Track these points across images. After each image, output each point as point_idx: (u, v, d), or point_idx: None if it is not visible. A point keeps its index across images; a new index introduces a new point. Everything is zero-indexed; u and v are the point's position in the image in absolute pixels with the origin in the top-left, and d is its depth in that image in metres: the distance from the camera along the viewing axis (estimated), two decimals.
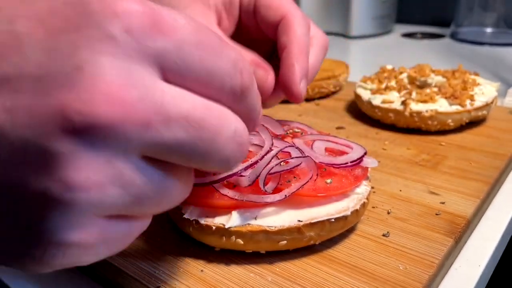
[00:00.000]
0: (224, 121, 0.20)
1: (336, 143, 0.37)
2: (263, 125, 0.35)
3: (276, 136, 0.36)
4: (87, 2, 0.18)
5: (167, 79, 0.19)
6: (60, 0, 0.18)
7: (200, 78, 0.20)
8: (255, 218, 0.31)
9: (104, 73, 0.17)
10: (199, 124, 0.19)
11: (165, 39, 0.18)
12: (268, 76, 0.31)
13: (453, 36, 1.08)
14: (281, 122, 0.41)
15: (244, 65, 0.21)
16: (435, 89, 0.54)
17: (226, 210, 0.31)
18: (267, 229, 0.30)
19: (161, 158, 0.19)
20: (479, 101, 0.51)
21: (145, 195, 0.20)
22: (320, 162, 0.33)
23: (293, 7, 0.34)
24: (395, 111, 0.52)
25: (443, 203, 0.37)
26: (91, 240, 0.19)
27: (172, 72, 0.19)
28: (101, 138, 0.17)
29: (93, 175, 0.18)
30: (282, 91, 0.33)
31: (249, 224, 0.30)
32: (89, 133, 0.17)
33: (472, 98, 0.51)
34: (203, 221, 0.31)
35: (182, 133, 0.19)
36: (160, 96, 0.18)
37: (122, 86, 0.17)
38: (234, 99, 0.21)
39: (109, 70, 0.17)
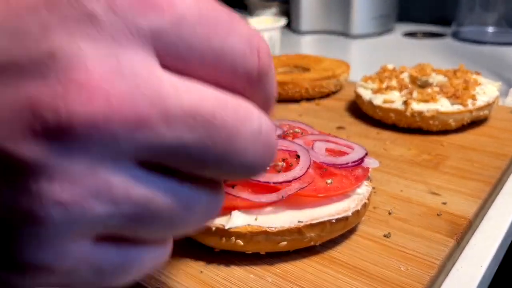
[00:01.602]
0: (244, 116, 0.16)
1: (337, 143, 0.37)
2: None
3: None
4: None
5: (166, 66, 0.15)
6: None
7: (207, 61, 0.16)
8: (255, 219, 0.30)
9: (83, 61, 0.14)
10: (210, 121, 0.15)
11: (161, 15, 0.14)
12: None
13: (455, 36, 1.08)
14: (282, 122, 0.40)
15: (260, 42, 0.17)
16: (437, 89, 0.54)
17: (225, 210, 0.31)
18: (267, 230, 0.30)
19: (168, 164, 0.15)
20: (481, 100, 0.51)
21: (146, 212, 0.15)
22: (321, 162, 0.33)
23: None
24: (396, 111, 0.51)
25: (444, 203, 0.37)
26: (69, 264, 0.15)
27: (172, 56, 0.15)
28: (79, 141, 0.14)
29: (71, 187, 0.14)
30: None
31: (249, 225, 0.30)
32: (64, 134, 0.13)
33: (473, 97, 0.51)
34: None
35: (188, 132, 0.15)
36: (157, 85, 0.14)
37: (107, 76, 0.14)
38: (250, 85, 0.17)
39: (89, 57, 0.14)
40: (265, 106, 0.18)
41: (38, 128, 0.13)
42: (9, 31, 0.14)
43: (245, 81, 0.17)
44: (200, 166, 0.16)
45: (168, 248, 0.18)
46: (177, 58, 0.15)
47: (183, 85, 0.15)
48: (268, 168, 0.17)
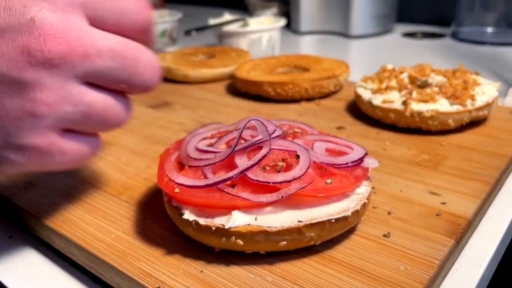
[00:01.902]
0: (140, 52, 0.29)
1: (337, 143, 0.37)
2: (261, 123, 0.35)
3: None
4: None
5: (93, 25, 0.27)
6: None
7: (115, 19, 0.28)
8: (255, 219, 0.31)
9: (50, 22, 0.25)
10: (122, 55, 0.28)
11: None
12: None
13: (454, 36, 1.08)
14: (282, 122, 0.40)
15: (146, 4, 0.29)
16: (436, 89, 0.54)
17: (225, 210, 0.31)
18: (267, 229, 0.30)
19: (100, 83, 0.28)
20: (480, 101, 0.51)
21: (91, 111, 0.28)
22: (320, 162, 0.33)
23: None
24: (395, 111, 0.51)
25: (444, 203, 0.37)
26: (48, 145, 0.28)
27: (95, 19, 0.27)
28: (55, 67, 0.26)
29: (52, 95, 0.26)
30: None
31: (249, 224, 0.30)
32: (47, 64, 0.25)
33: (472, 98, 0.51)
34: (202, 221, 0.31)
35: (111, 61, 0.27)
36: (91, 35, 0.27)
37: (65, 30, 0.26)
38: (143, 32, 0.30)
39: (53, 19, 0.25)
40: (150, 46, 0.30)
41: (33, 62, 0.25)
42: (5, 8, 0.25)
43: (140, 31, 0.29)
44: (118, 82, 0.29)
45: (97, 141, 0.32)
46: (98, 19, 0.27)
47: (105, 35, 0.27)
48: (157, 83, 0.31)
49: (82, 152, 0.30)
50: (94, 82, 0.28)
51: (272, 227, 0.30)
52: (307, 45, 1.11)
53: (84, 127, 0.29)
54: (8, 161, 0.28)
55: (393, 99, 0.53)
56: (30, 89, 0.25)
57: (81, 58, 0.26)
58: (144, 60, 0.29)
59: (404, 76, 0.59)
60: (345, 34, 1.14)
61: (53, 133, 0.28)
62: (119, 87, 0.29)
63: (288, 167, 0.32)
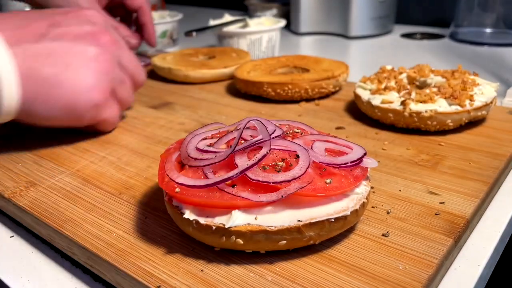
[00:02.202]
0: (138, 62, 0.57)
1: (336, 143, 0.37)
2: (261, 123, 0.35)
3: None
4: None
5: None
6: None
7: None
8: (255, 218, 0.31)
9: (105, 31, 0.51)
10: (132, 52, 0.56)
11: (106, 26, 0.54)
12: (137, 40, 0.74)
13: (453, 37, 1.08)
14: (281, 122, 0.41)
15: (122, 40, 0.55)
16: (435, 89, 0.54)
17: (226, 210, 0.31)
18: (267, 229, 0.30)
19: (122, 68, 0.53)
20: (479, 101, 0.51)
21: (124, 79, 0.53)
22: (320, 162, 0.33)
23: (146, 1, 0.75)
24: (394, 111, 0.52)
25: (442, 203, 0.38)
26: (109, 95, 0.51)
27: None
28: (107, 46, 0.51)
29: (111, 58, 0.51)
30: (147, 43, 0.76)
31: (249, 224, 0.31)
32: (104, 44, 0.51)
33: (471, 98, 0.51)
34: (203, 221, 0.31)
35: (128, 53, 0.55)
36: (120, 40, 0.54)
37: (112, 35, 0.52)
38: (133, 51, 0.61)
39: (107, 31, 0.52)
40: None
41: (98, 43, 0.50)
42: (84, 21, 0.52)
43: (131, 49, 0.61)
44: (130, 69, 0.55)
45: (120, 112, 0.55)
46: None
47: (125, 45, 0.56)
48: (144, 81, 0.59)
49: (117, 111, 0.54)
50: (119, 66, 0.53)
51: (272, 226, 0.30)
52: (307, 46, 1.11)
53: (120, 91, 0.53)
54: (85, 101, 0.49)
55: (392, 100, 0.53)
56: (100, 55, 0.49)
57: (117, 47, 0.52)
58: (141, 66, 0.57)
59: (403, 77, 0.59)
60: (345, 35, 1.15)
61: (111, 88, 0.51)
62: (129, 75, 0.54)
63: (288, 167, 0.32)
